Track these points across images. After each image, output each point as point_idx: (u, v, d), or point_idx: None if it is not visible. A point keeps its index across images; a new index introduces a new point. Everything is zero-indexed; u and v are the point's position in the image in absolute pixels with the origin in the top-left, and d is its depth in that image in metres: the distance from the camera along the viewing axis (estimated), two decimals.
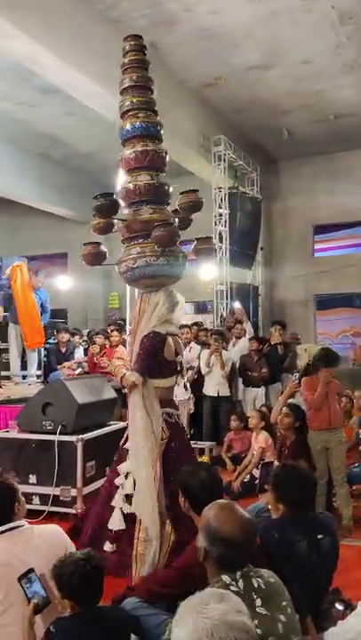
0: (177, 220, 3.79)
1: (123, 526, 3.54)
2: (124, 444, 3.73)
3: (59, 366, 8.03)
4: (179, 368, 3.76)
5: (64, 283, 13.46)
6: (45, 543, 2.33)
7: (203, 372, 7.26)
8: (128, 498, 3.55)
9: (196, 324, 9.28)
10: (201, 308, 12.74)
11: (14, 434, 4.81)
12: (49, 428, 4.67)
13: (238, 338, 8.15)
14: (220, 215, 10.08)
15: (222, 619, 1.22)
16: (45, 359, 8.55)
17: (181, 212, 3.83)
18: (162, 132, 3.86)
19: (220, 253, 10.03)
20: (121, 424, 5.35)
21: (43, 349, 8.57)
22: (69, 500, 4.45)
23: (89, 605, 2.14)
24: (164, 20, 7.16)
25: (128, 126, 3.76)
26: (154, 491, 3.36)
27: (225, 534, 1.82)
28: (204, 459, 6.51)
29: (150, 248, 3.54)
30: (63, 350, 8.34)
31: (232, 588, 1.77)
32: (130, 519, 3.50)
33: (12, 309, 7.52)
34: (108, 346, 7.44)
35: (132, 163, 3.71)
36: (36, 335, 7.59)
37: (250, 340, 7.77)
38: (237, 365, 7.59)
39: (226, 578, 1.81)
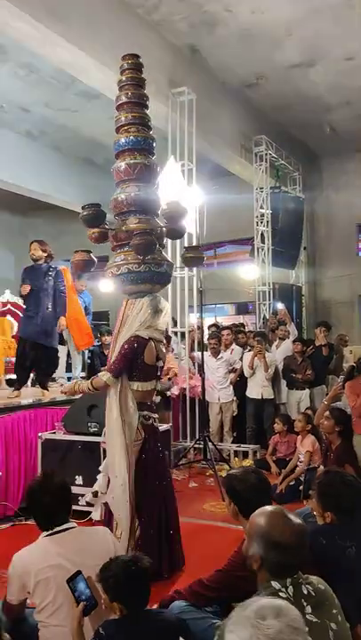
0: (164, 229, 3.94)
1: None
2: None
3: (102, 368, 8.09)
4: (158, 373, 3.85)
5: (106, 285, 13.61)
6: (94, 545, 2.36)
7: (246, 375, 7.21)
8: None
9: (236, 325, 9.24)
10: (242, 309, 12.68)
11: (61, 435, 4.88)
12: (94, 429, 4.72)
13: (282, 339, 8.07)
14: (262, 215, 10.01)
15: (278, 637, 1.21)
16: (89, 361, 8.65)
17: (166, 221, 3.94)
18: (154, 145, 4.03)
19: (262, 253, 9.97)
20: (165, 426, 5.37)
21: (87, 351, 8.69)
22: None
23: (137, 608, 2.15)
24: (204, 21, 7.17)
25: (122, 140, 3.94)
26: (127, 488, 3.48)
27: (282, 541, 1.79)
28: (248, 462, 6.48)
29: (133, 256, 3.70)
30: (106, 352, 8.41)
31: (281, 594, 1.75)
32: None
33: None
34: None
35: (122, 175, 3.91)
36: (84, 337, 7.70)
37: (294, 341, 7.68)
38: (281, 367, 7.51)
39: (275, 584, 1.79)
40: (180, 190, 6.52)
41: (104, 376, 3.59)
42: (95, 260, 3.92)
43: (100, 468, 4.03)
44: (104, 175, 11.74)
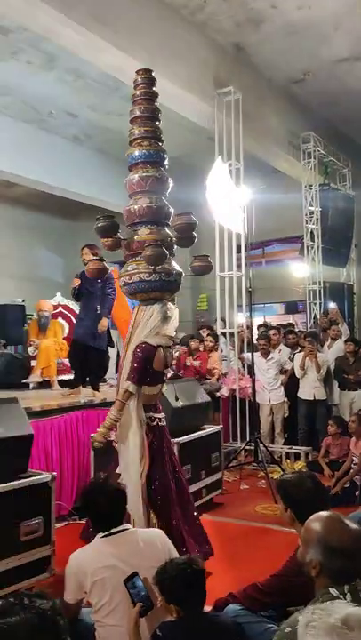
0: (174, 239, 4.06)
1: None
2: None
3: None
4: (165, 377, 3.98)
5: None
6: (150, 547, 2.37)
7: (297, 375, 7.12)
8: None
9: (285, 325, 9.13)
10: (292, 308, 12.52)
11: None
12: None
13: (334, 339, 7.92)
14: (312, 213, 9.87)
15: None
16: None
17: (177, 232, 4.09)
18: (165, 157, 4.16)
19: (312, 252, 9.82)
20: (214, 427, 5.36)
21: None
22: None
23: (193, 610, 2.15)
24: (249, 19, 7.12)
25: (135, 153, 4.07)
26: (139, 487, 3.55)
27: (341, 547, 1.76)
28: (300, 464, 6.39)
29: (144, 265, 3.82)
30: None
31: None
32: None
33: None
34: (201, 349, 7.48)
35: (135, 187, 4.04)
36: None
37: (346, 341, 7.53)
38: (333, 368, 7.38)
39: (333, 591, 1.75)
40: (227, 191, 6.49)
41: (129, 387, 3.68)
42: (108, 268, 4.06)
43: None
44: None
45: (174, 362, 8.09)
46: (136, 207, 4.00)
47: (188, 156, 10.72)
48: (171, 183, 4.15)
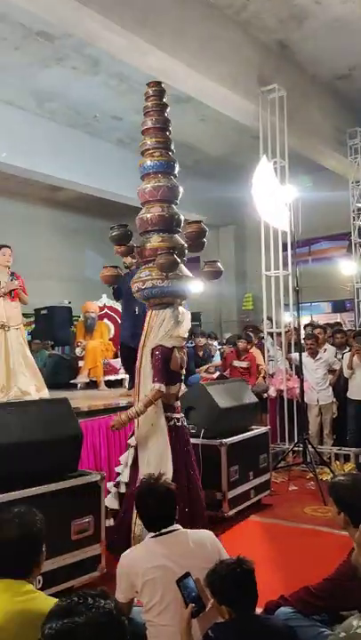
0: (185, 245, 4.25)
1: (115, 506, 4.06)
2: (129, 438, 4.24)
3: (197, 370, 8.17)
4: (181, 378, 4.15)
5: (196, 286, 13.69)
6: (200, 548, 2.37)
7: (346, 375, 6.98)
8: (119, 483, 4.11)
9: (331, 325, 8.97)
10: (339, 306, 12.31)
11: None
12: (192, 431, 4.73)
13: None
14: (359, 210, 9.68)
15: None
16: None
17: (188, 239, 4.29)
18: (176, 167, 4.34)
19: (360, 249, 9.64)
20: (262, 428, 5.32)
21: None
22: (215, 503, 4.49)
23: (245, 611, 2.14)
24: (293, 15, 7.04)
25: (147, 163, 4.26)
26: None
27: None
28: (350, 466, 6.27)
29: (157, 272, 4.01)
30: (200, 354, 8.47)
31: None
32: (130, 504, 3.73)
33: None
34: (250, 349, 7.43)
35: (147, 196, 4.22)
36: None
37: None
38: None
39: None
40: (273, 189, 6.43)
41: (160, 388, 3.82)
42: (122, 273, 4.32)
43: (121, 459, 4.28)
44: (194, 177, 11.93)
45: (220, 362, 8.09)
46: (148, 216, 4.19)
47: (233, 154, 10.71)
48: (181, 191, 4.32)
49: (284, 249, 7.31)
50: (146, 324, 4.13)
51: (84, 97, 8.58)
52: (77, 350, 7.69)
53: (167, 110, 4.43)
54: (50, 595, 1.98)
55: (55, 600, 1.87)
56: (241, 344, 7.30)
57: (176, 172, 4.34)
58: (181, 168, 10.40)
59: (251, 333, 7.99)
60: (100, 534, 3.40)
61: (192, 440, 4.65)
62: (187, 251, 4.32)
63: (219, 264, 4.46)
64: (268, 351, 7.49)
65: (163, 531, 2.39)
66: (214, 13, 6.81)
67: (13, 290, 5.56)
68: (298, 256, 7.36)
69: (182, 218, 4.28)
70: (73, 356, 8.04)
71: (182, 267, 4.12)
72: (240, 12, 6.96)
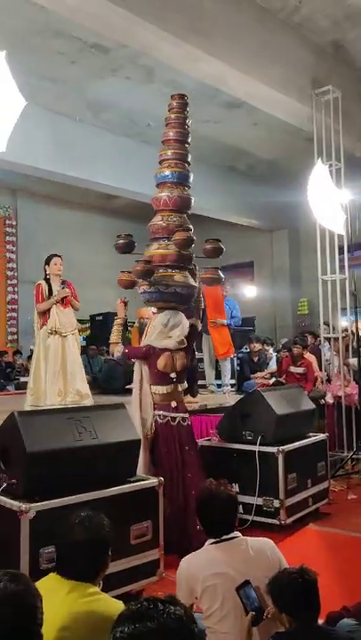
0: (192, 254, 4.49)
1: None
2: None
3: (252, 375, 8.11)
4: (175, 380, 4.30)
5: (251, 291, 13.62)
6: (260, 556, 2.35)
7: None
8: None
9: None
10: None
11: (216, 442, 4.94)
12: (249, 438, 4.71)
13: None
14: None
15: None
16: (238, 368, 8.69)
17: (205, 256, 4.54)
18: (190, 177, 4.58)
19: None
20: (321, 436, 5.23)
21: (236, 359, 8.73)
22: (272, 510, 4.44)
23: (306, 621, 2.10)
24: (347, 15, 6.95)
25: (166, 172, 4.50)
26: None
27: None
28: None
29: (160, 276, 4.35)
30: (255, 359, 8.40)
31: None
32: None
33: (204, 320, 7.77)
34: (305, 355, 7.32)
35: (161, 204, 4.48)
36: (224, 345, 7.73)
37: None
38: None
39: None
40: (328, 192, 6.34)
41: (120, 351, 4.41)
42: (137, 280, 4.47)
43: None
44: (247, 180, 11.92)
45: (275, 368, 8.00)
46: (164, 224, 4.43)
47: (286, 158, 10.62)
48: (192, 201, 4.58)
49: (341, 252, 7.19)
50: (148, 324, 4.52)
51: (137, 106, 8.71)
52: None
53: (188, 122, 4.63)
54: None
55: (119, 602, 1.91)
56: (296, 349, 7.21)
57: (190, 182, 4.58)
58: (234, 173, 10.51)
59: (306, 338, 7.87)
60: (159, 539, 3.41)
61: (249, 447, 4.64)
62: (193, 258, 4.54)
63: (219, 271, 4.67)
64: (326, 356, 7.37)
65: (223, 537, 2.38)
66: (266, 18, 6.80)
67: (65, 297, 5.74)
68: (355, 260, 7.22)
69: (190, 227, 4.48)
70: (128, 362, 8.12)
71: (188, 276, 4.42)
72: (292, 16, 6.92)
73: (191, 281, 4.47)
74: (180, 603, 1.34)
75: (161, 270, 4.37)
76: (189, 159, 4.62)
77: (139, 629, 1.24)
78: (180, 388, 4.38)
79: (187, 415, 4.39)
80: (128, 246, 4.58)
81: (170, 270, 4.39)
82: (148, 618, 1.26)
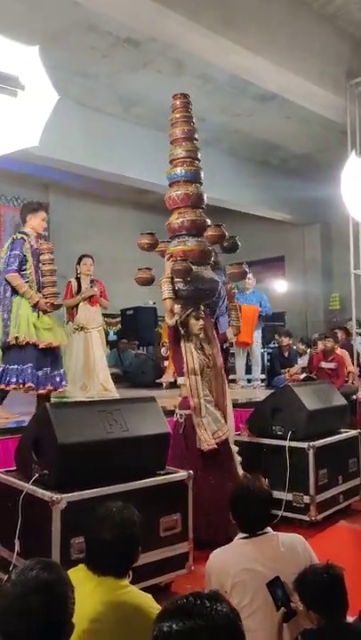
0: (211, 250, 4.62)
1: None
2: None
3: (282, 370, 8.06)
4: None
5: (281, 286, 13.50)
6: (291, 553, 2.33)
7: None
8: None
9: None
10: None
11: (246, 437, 4.92)
12: (279, 433, 4.68)
13: None
14: None
15: None
16: (268, 363, 8.65)
17: (223, 250, 4.69)
18: (202, 174, 4.69)
19: None
20: (353, 432, 5.16)
21: (266, 354, 8.69)
22: (303, 506, 4.41)
23: (334, 617, 2.08)
24: None
25: (178, 171, 4.61)
26: None
27: None
28: None
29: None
30: (286, 354, 8.34)
31: None
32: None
33: None
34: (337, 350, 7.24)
35: (179, 202, 4.57)
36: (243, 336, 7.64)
37: None
38: None
39: None
40: None
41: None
42: (153, 276, 4.61)
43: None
44: (280, 175, 11.81)
45: (305, 364, 7.92)
46: (180, 221, 4.53)
47: (319, 151, 10.48)
48: (206, 197, 4.65)
49: None
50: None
51: (168, 100, 8.64)
52: (163, 350, 7.81)
53: (193, 120, 4.75)
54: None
55: (148, 595, 1.91)
56: (328, 343, 7.11)
57: (202, 179, 4.68)
58: (266, 167, 10.41)
59: (336, 333, 7.78)
60: (188, 532, 3.42)
61: (279, 442, 4.61)
62: (217, 252, 4.68)
63: (244, 266, 4.73)
64: (358, 352, 7.27)
65: (255, 533, 2.37)
66: (300, 8, 6.71)
67: (92, 296, 5.95)
68: None
69: (208, 222, 4.59)
70: (158, 356, 8.16)
71: (207, 270, 4.50)
72: (326, 6, 6.81)
73: (215, 275, 4.55)
74: (225, 599, 1.34)
75: (194, 267, 4.39)
76: (199, 156, 4.69)
77: (188, 626, 1.24)
78: None
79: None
80: (152, 246, 4.73)
81: (196, 267, 4.42)
82: (196, 614, 1.25)
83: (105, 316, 6.71)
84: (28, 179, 11.28)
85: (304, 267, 13.44)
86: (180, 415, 4.26)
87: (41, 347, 4.62)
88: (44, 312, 4.71)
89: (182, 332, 4.26)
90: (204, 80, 8.11)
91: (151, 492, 3.23)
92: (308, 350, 8.52)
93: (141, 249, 4.77)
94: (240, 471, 4.25)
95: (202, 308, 4.38)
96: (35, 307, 4.66)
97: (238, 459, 4.40)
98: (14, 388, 4.60)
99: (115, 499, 2.35)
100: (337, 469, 4.75)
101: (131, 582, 2.01)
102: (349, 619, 2.30)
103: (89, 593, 1.84)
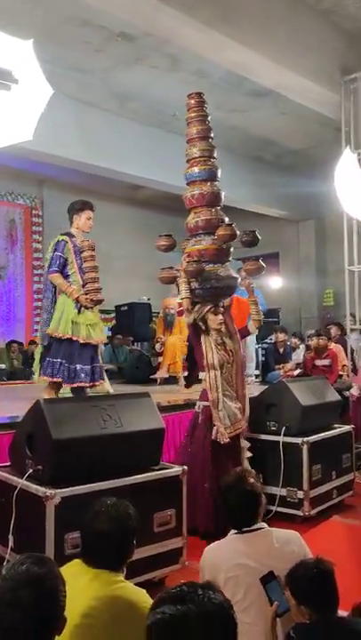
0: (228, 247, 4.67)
1: None
2: None
3: (276, 366, 8.07)
4: None
5: (276, 282, 13.51)
6: (285, 548, 2.33)
7: None
8: None
9: None
10: None
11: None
12: (273, 428, 4.70)
13: None
14: None
15: None
16: (263, 359, 8.66)
17: (242, 245, 4.74)
18: (218, 172, 4.71)
19: None
20: (346, 427, 5.18)
21: (261, 349, 8.70)
22: (296, 502, 4.43)
23: (325, 612, 2.09)
24: None
25: (195, 170, 4.63)
26: None
27: None
28: None
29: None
30: (281, 350, 8.36)
31: None
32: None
33: None
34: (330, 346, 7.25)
35: (195, 202, 4.62)
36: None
37: None
38: None
39: None
40: (357, 180, 6.24)
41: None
42: (176, 275, 4.57)
43: None
44: (275, 171, 11.80)
45: (300, 360, 7.94)
46: (198, 220, 4.57)
47: (314, 148, 10.49)
48: (223, 195, 4.70)
49: None
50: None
51: (163, 95, 8.66)
52: (157, 346, 7.81)
53: (208, 119, 4.74)
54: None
55: (142, 590, 1.92)
56: (321, 341, 7.12)
57: (219, 177, 4.69)
58: (261, 163, 10.39)
59: (330, 330, 7.80)
60: (182, 528, 3.43)
61: (273, 437, 4.63)
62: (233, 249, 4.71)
63: (260, 261, 4.77)
64: (352, 348, 7.29)
65: (247, 528, 2.38)
66: (296, 4, 6.70)
67: None
68: None
69: (226, 219, 4.60)
70: (153, 352, 8.16)
71: (227, 267, 4.58)
72: (321, 2, 6.81)
73: (233, 272, 4.60)
74: (219, 589, 1.35)
75: (210, 265, 4.50)
76: (215, 154, 4.71)
77: (181, 611, 1.26)
78: None
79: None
80: (170, 248, 4.79)
81: (212, 265, 4.51)
82: (189, 601, 1.27)
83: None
84: (22, 174, 11.24)
85: (298, 263, 13.46)
86: (200, 406, 4.42)
87: (81, 342, 4.69)
88: (86, 307, 4.79)
89: (203, 327, 4.41)
90: (200, 76, 8.09)
91: (145, 487, 3.23)
92: (301, 346, 8.55)
93: (159, 250, 4.83)
94: (247, 466, 4.28)
95: (221, 303, 4.52)
96: (76, 302, 4.75)
97: (248, 454, 4.48)
98: (54, 382, 4.76)
99: (109, 494, 2.35)
100: (331, 465, 4.77)
101: (125, 578, 2.02)
102: (342, 613, 2.32)
103: (83, 587, 1.84)
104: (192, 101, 4.78)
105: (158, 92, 8.56)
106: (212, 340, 4.40)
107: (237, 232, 4.56)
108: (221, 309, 4.48)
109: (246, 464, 4.35)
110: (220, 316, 4.42)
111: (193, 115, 4.74)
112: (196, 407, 4.47)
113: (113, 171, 9.40)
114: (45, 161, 8.93)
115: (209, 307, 4.41)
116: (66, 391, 4.91)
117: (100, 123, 8.95)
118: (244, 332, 4.76)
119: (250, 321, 4.85)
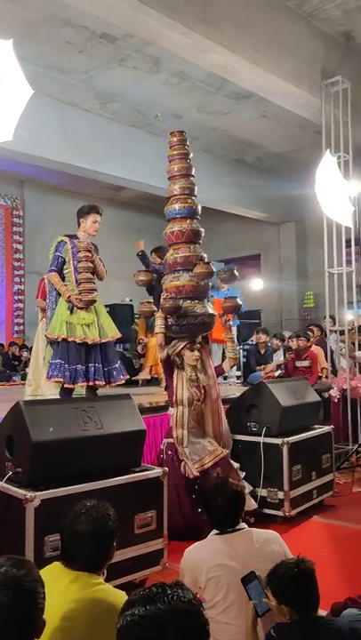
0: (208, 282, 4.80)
1: None
2: None
3: (258, 367, 8.11)
4: None
5: (257, 284, 13.59)
6: (266, 548, 2.35)
7: None
8: None
9: None
10: None
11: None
12: (254, 429, 4.72)
13: None
14: None
15: None
16: (245, 360, 8.69)
17: (220, 281, 5.24)
18: (199, 209, 4.83)
19: None
20: (326, 428, 5.22)
21: (242, 350, 8.72)
22: (277, 502, 4.45)
23: (306, 611, 2.10)
24: (359, 6, 6.84)
25: (175, 207, 4.74)
26: None
27: None
28: None
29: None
30: (262, 351, 8.39)
31: None
32: None
33: None
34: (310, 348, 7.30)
35: (174, 238, 4.72)
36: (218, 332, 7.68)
37: None
38: None
39: None
40: (336, 184, 6.31)
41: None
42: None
43: None
44: (256, 173, 11.87)
45: (282, 360, 7.99)
46: (176, 257, 4.67)
47: (295, 151, 10.57)
48: (203, 232, 4.82)
49: (348, 245, 7.15)
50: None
51: (145, 96, 8.66)
52: (139, 348, 7.79)
53: (190, 157, 4.88)
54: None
55: (122, 592, 1.91)
56: (301, 342, 7.16)
57: (198, 214, 4.81)
58: (242, 165, 10.43)
59: (309, 332, 7.85)
60: (163, 529, 3.43)
61: (254, 438, 4.65)
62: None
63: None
64: (332, 350, 7.35)
65: (228, 530, 2.38)
66: (277, 7, 6.72)
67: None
68: None
69: (205, 256, 4.69)
70: (135, 353, 8.14)
71: (205, 304, 4.67)
72: (303, 5, 6.84)
73: (210, 309, 4.68)
74: (187, 587, 1.36)
75: (188, 302, 4.58)
76: (195, 192, 4.85)
77: (150, 611, 1.26)
78: None
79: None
80: (148, 283, 5.17)
81: (190, 301, 4.57)
82: (158, 600, 1.28)
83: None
84: (2, 174, 11.17)
85: (279, 265, 13.55)
86: (165, 443, 4.41)
87: (78, 342, 4.68)
88: (79, 308, 4.78)
89: (178, 362, 4.48)
90: (181, 77, 8.11)
91: (126, 489, 3.23)
92: (281, 347, 8.59)
93: (138, 285, 5.22)
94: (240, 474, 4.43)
95: (198, 339, 4.57)
96: (69, 302, 4.77)
97: (236, 465, 4.49)
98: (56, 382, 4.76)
99: (89, 496, 2.35)
100: (311, 465, 4.80)
101: (105, 579, 2.01)
102: (322, 612, 2.33)
103: (62, 590, 1.83)
104: (174, 139, 4.90)
105: (140, 93, 8.55)
106: (186, 376, 4.45)
107: (213, 271, 4.69)
108: (198, 345, 4.54)
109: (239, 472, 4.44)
110: (197, 352, 4.48)
111: (175, 152, 4.86)
112: (162, 445, 4.47)
113: (94, 171, 9.37)
114: (26, 161, 8.87)
115: (185, 342, 4.47)
116: (80, 392, 4.94)
117: (81, 123, 8.91)
118: (219, 371, 4.81)
119: (225, 361, 5.01)
